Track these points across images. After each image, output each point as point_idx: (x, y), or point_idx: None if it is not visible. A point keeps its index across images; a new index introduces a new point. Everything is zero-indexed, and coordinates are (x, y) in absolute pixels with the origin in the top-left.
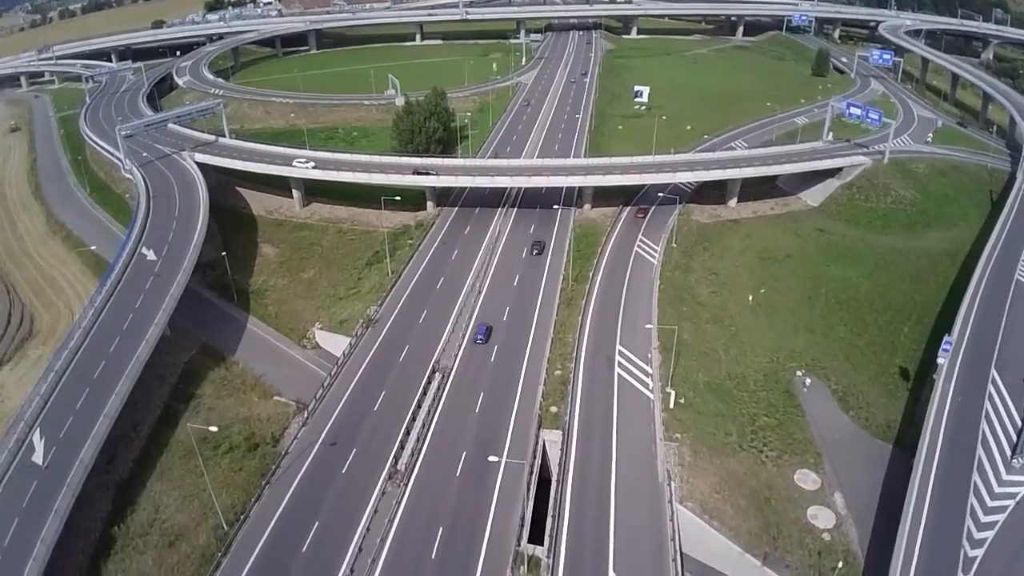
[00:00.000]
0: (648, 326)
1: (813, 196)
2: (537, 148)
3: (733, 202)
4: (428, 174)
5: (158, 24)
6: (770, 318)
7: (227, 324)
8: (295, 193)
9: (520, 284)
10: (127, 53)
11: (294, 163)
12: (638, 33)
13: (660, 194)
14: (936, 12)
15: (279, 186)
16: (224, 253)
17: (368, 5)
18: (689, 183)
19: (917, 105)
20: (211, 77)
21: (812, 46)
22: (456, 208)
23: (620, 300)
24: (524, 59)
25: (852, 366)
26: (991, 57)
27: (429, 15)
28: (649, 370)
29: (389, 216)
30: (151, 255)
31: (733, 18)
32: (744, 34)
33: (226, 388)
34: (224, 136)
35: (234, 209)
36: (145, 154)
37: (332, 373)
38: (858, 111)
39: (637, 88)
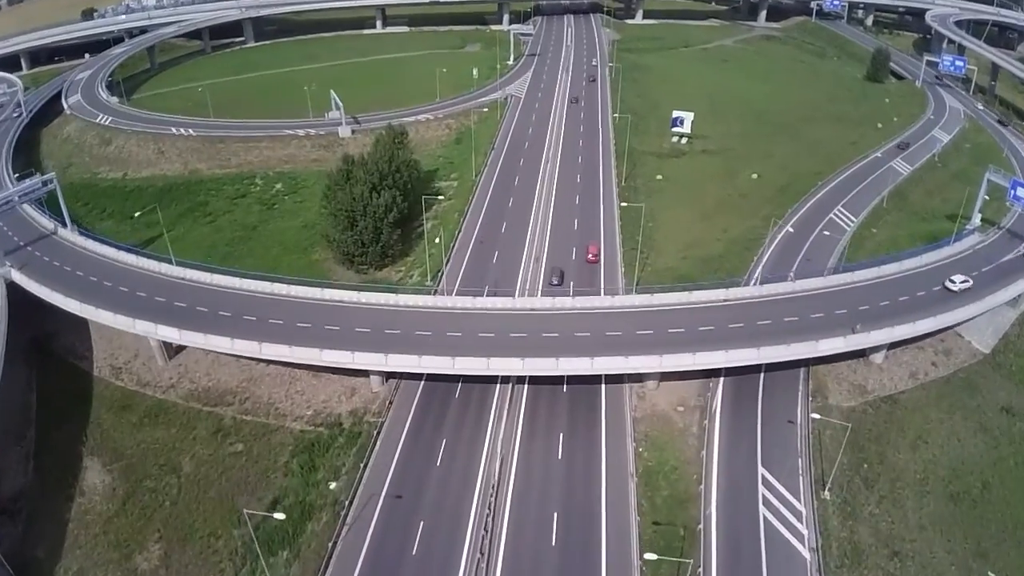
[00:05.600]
0: None
1: (979, 334)
2: (548, 223)
3: (880, 357)
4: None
5: (88, 14)
6: None
7: None
8: (153, 343)
9: None
10: (40, 55)
11: None
12: (644, 17)
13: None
14: None
15: None
16: None
17: None
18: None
19: (1013, 134)
20: (104, 97)
21: (850, 37)
22: (420, 385)
23: None
24: (512, 57)
25: None
26: None
27: None
28: None
29: (309, 391)
30: None
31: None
32: (766, 19)
33: None
34: (65, 224)
35: (66, 361)
36: None
37: None
38: None
39: (676, 115)
